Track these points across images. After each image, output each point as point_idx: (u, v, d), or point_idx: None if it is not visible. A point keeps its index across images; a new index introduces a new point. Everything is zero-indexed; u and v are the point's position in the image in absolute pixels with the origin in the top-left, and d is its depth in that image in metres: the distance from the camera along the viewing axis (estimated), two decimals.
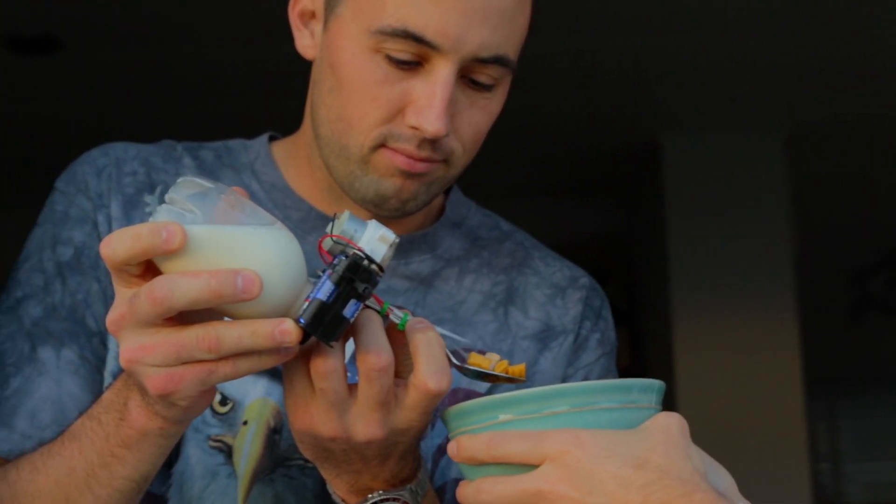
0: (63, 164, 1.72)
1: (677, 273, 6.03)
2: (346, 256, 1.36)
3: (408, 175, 1.64)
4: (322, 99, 1.69)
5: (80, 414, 1.51)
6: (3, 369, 1.66)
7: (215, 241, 1.30)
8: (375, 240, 1.40)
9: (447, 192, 1.88)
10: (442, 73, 1.60)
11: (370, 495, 1.50)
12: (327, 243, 1.39)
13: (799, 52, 5.15)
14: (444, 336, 1.49)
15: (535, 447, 1.31)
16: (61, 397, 1.63)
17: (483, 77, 1.64)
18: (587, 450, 1.29)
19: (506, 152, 5.26)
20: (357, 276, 1.36)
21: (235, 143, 1.85)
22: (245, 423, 1.66)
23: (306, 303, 1.33)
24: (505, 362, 1.51)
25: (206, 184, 1.33)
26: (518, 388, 1.54)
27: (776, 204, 6.08)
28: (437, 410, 1.56)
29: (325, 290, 1.34)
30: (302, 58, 1.75)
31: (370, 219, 1.68)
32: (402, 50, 1.60)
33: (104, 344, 1.68)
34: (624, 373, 1.89)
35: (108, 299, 1.67)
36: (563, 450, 1.29)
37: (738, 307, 6.01)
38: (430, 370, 1.40)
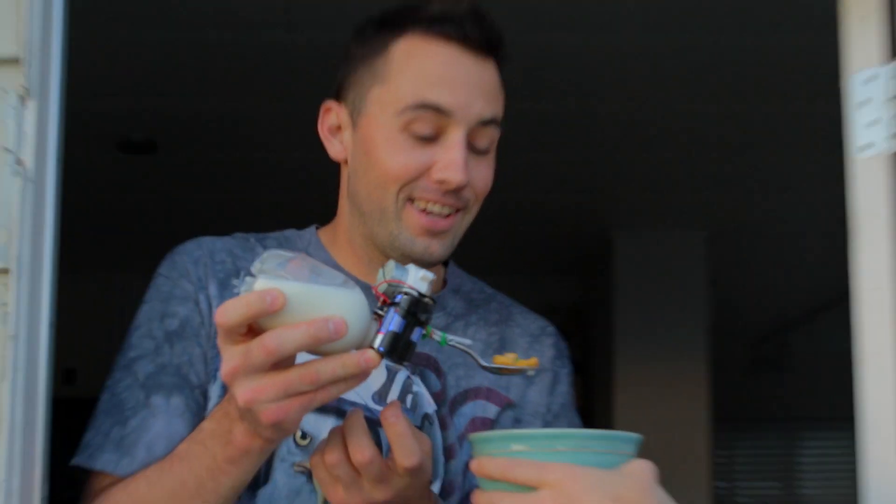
0: (160, 238, 1.65)
1: (620, 336, 6.03)
2: (405, 295, 1.37)
3: (433, 234, 1.63)
4: (360, 181, 1.67)
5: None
6: (123, 413, 1.63)
7: (305, 298, 1.29)
8: (419, 279, 1.39)
9: (445, 265, 1.86)
10: (457, 136, 1.60)
11: None
12: (382, 287, 1.38)
13: (720, 169, 5.16)
14: (469, 346, 1.52)
15: (539, 475, 1.30)
16: (171, 434, 1.59)
17: (481, 142, 1.64)
18: (578, 482, 1.29)
19: (493, 240, 5.25)
20: (419, 310, 1.37)
21: (291, 233, 1.82)
22: None
23: (380, 335, 1.34)
24: (522, 361, 1.55)
25: (286, 254, 1.32)
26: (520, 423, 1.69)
27: (697, 286, 6.09)
28: (468, 432, 1.67)
29: (395, 323, 1.35)
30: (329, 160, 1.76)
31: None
32: (424, 124, 1.60)
33: (205, 395, 1.65)
34: (578, 411, 1.90)
35: (206, 361, 1.66)
36: (560, 480, 1.29)
37: (664, 362, 6.01)
38: (402, 455, 1.42)
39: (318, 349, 1.29)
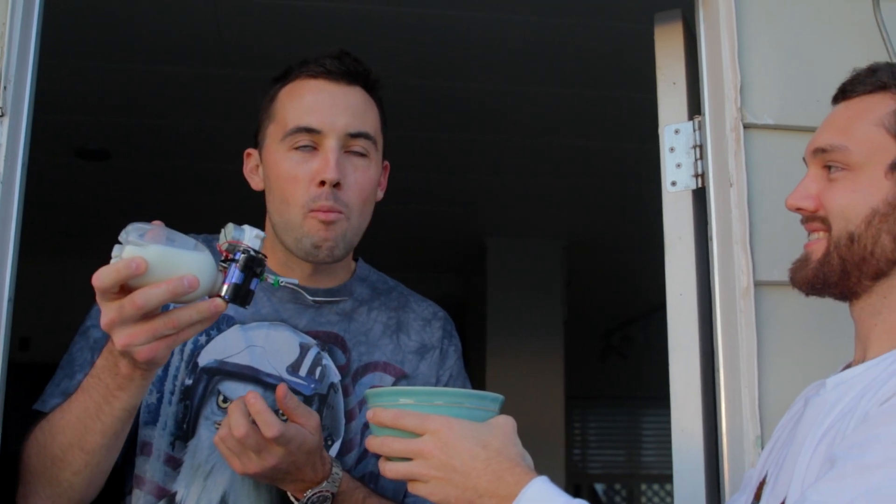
0: (108, 231, 1.68)
1: (492, 325, 6.01)
2: (243, 253, 1.41)
3: (325, 224, 1.68)
4: (272, 199, 1.75)
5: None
6: (73, 368, 1.70)
7: (164, 260, 1.34)
8: (254, 238, 1.44)
9: (356, 260, 1.91)
10: (329, 145, 1.68)
11: (306, 493, 1.57)
12: (225, 246, 1.43)
13: (574, 193, 5.22)
14: (296, 284, 1.60)
15: (422, 424, 1.35)
16: None
17: (356, 147, 1.72)
18: (454, 431, 1.34)
19: (391, 244, 5.28)
20: (254, 265, 1.42)
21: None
22: None
23: (225, 286, 1.40)
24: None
25: (145, 226, 1.36)
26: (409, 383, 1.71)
27: (555, 286, 6.09)
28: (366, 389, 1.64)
29: (236, 276, 1.40)
30: None
31: (306, 264, 1.75)
32: (301, 141, 1.69)
33: None
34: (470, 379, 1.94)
35: None
36: (439, 428, 1.34)
37: (528, 348, 6.01)
38: (264, 427, 1.49)
39: (178, 300, 1.35)
